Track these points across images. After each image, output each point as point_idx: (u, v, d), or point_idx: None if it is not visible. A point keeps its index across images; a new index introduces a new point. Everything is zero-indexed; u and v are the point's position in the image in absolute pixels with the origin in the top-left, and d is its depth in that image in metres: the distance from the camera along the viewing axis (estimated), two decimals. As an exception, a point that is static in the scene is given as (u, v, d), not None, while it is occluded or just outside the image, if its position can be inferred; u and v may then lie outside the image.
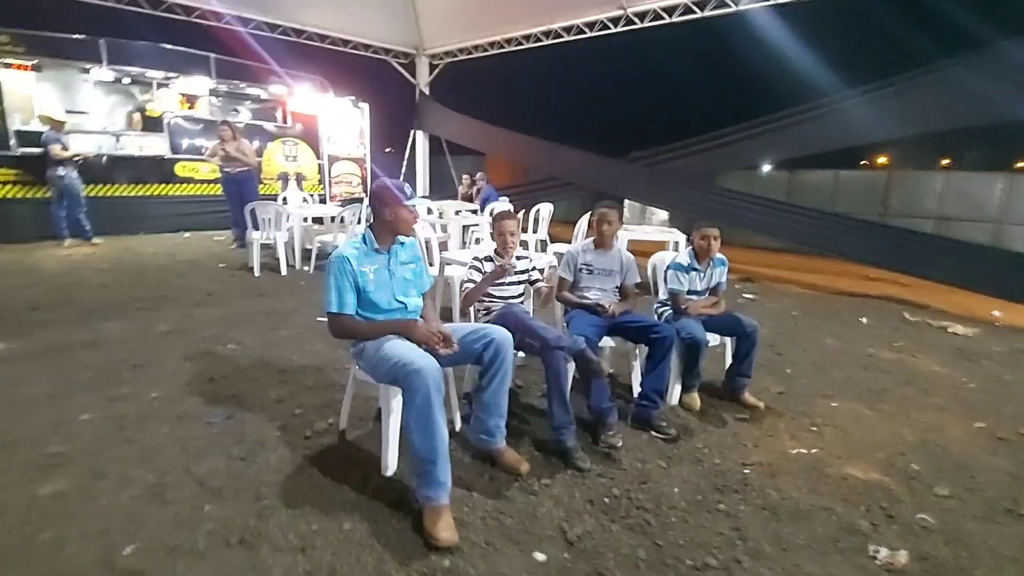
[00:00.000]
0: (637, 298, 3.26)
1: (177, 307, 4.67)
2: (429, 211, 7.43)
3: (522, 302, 3.02)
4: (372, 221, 2.39)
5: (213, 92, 9.64)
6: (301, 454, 2.46)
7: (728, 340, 3.32)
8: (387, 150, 16.58)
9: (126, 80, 8.74)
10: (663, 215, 13.03)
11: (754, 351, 3.15)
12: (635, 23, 8.12)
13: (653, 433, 2.78)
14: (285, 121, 10.44)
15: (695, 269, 3.23)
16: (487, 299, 2.94)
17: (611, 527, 2.05)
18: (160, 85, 8.85)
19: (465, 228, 7.19)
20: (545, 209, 7.24)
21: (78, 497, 2.09)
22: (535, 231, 7.14)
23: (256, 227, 6.02)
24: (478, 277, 2.88)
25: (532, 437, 2.68)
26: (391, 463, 2.29)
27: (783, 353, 4.15)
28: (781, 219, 7.20)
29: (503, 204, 7.49)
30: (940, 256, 6.42)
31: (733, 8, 7.23)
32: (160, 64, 8.86)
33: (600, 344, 2.90)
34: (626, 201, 13.30)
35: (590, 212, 3.17)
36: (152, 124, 8.90)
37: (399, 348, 2.16)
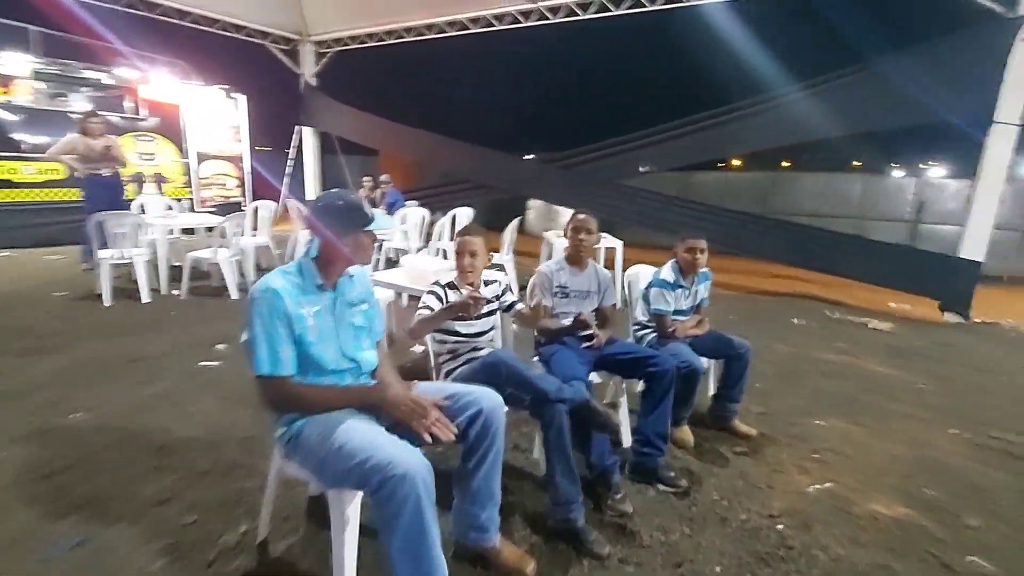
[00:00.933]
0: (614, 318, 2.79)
1: (-10, 359, 3.40)
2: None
3: (492, 340, 2.41)
4: (315, 251, 1.66)
5: (38, 74, 7.72)
6: (205, 597, 1.65)
7: (711, 362, 2.98)
8: (257, 148, 14.86)
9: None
10: (567, 217, 13.04)
11: (746, 374, 2.83)
12: (547, 18, 7.74)
13: (661, 487, 2.32)
14: (137, 112, 8.71)
15: (680, 286, 2.83)
16: (451, 339, 2.28)
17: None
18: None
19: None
20: (464, 215, 6.61)
21: None
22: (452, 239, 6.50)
23: (103, 244, 4.70)
24: (436, 307, 2.21)
25: (524, 513, 2.10)
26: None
27: (743, 364, 3.95)
28: (702, 221, 7.22)
29: (415, 210, 6.75)
30: (845, 254, 6.74)
31: (648, 7, 7.10)
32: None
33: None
34: (530, 202, 13.21)
35: (572, 217, 2.63)
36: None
37: (362, 435, 1.46)
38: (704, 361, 2.83)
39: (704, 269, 2.92)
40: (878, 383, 3.78)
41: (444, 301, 2.22)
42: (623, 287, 3.14)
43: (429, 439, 1.54)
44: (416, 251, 6.20)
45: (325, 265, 1.64)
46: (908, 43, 6.42)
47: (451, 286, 2.29)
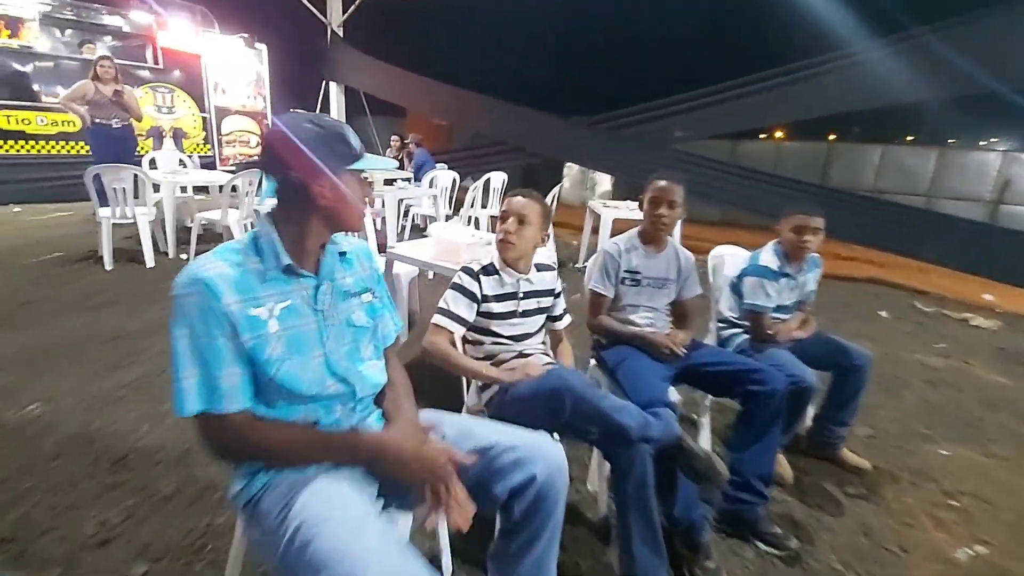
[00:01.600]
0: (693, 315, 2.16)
1: (-40, 329, 2.98)
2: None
3: (544, 342, 1.81)
4: (275, 208, 1.09)
5: (48, 18, 7.25)
6: None
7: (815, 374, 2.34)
8: (292, 110, 14.33)
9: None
10: (606, 185, 12.23)
11: (862, 393, 2.18)
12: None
13: (761, 545, 1.73)
14: (156, 62, 8.21)
15: (785, 275, 2.17)
16: (487, 340, 1.70)
17: None
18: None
19: (400, 203, 5.78)
20: (497, 179, 5.96)
21: None
22: (485, 207, 5.87)
23: (104, 201, 4.25)
24: (463, 309, 1.62)
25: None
26: None
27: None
28: (762, 191, 6.43)
29: (444, 173, 6.13)
30: (930, 234, 5.91)
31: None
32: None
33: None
34: (566, 167, 12.40)
35: (649, 184, 1.97)
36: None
37: (342, 532, 0.89)
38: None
39: (814, 254, 2.25)
40: (998, 397, 3.09)
41: (478, 298, 1.63)
42: (711, 277, 2.47)
43: (455, 524, 0.98)
44: (445, 219, 5.61)
45: (296, 235, 1.06)
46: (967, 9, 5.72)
47: (488, 271, 1.69)
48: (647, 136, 7.45)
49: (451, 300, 1.62)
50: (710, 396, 2.03)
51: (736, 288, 2.24)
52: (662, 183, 1.95)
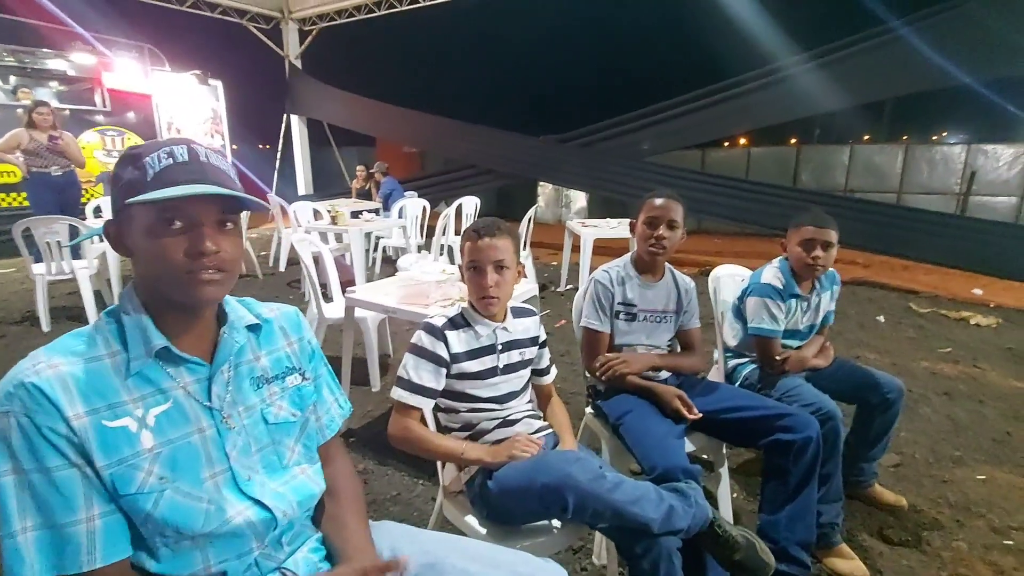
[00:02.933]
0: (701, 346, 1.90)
1: None
2: (316, 214, 5.61)
3: (530, 401, 1.52)
4: (135, 277, 0.78)
5: (-14, 65, 6.86)
6: None
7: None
8: (261, 146, 13.99)
9: None
10: (582, 202, 12.10)
11: (894, 427, 1.93)
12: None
13: (805, 630, 1.45)
14: (104, 105, 7.82)
15: (795, 295, 1.92)
16: (463, 407, 1.39)
17: None
18: None
19: (368, 236, 5.49)
20: (470, 204, 5.71)
21: None
22: (457, 234, 5.59)
23: (39, 257, 3.86)
24: (428, 378, 1.30)
25: None
26: None
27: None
28: (742, 200, 6.32)
29: (414, 201, 5.86)
30: (908, 231, 5.85)
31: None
32: None
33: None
34: (540, 186, 12.24)
35: (643, 203, 1.69)
36: None
37: None
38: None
39: (831, 269, 2.01)
40: (1021, 405, 2.88)
41: (446, 361, 1.32)
42: (712, 298, 2.21)
43: None
44: (417, 250, 5.32)
45: (158, 311, 0.76)
46: (929, 3, 5.92)
47: (456, 324, 1.37)
48: (617, 151, 7.33)
49: (411, 368, 1.29)
50: (727, 444, 1.75)
51: (739, 312, 1.99)
52: (659, 201, 1.69)
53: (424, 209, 5.79)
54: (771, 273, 1.92)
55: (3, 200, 6.76)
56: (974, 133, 17.59)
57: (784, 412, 1.53)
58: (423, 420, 1.33)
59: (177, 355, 0.76)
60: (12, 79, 7.35)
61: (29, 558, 0.64)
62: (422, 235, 5.81)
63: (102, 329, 0.75)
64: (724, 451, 1.75)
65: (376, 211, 6.15)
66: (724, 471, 1.77)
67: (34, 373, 0.67)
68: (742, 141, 18.77)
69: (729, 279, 2.17)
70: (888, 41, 6.03)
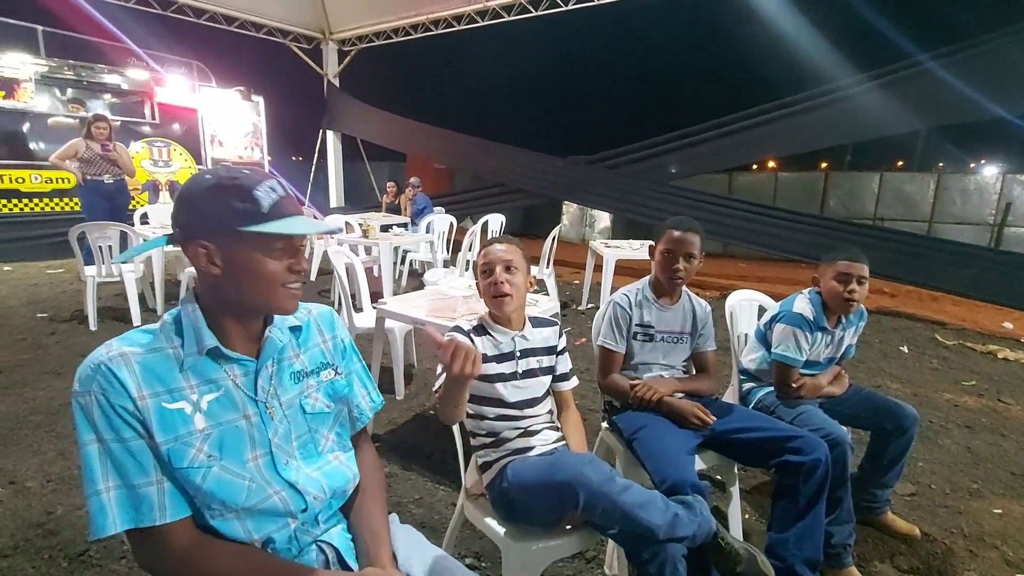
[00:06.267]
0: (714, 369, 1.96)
1: (-74, 403, 2.79)
2: (348, 227, 5.81)
3: (551, 411, 1.61)
4: (198, 283, 0.91)
5: (47, 78, 7.33)
6: None
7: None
8: (295, 159, 14.47)
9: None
10: (605, 222, 12.18)
11: (908, 453, 1.96)
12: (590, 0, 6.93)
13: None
14: (153, 117, 8.26)
15: (822, 328, 1.97)
16: (490, 412, 1.49)
17: None
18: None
19: (396, 250, 5.66)
20: (495, 221, 5.86)
21: None
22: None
23: (91, 260, 4.13)
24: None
25: None
26: None
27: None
28: (768, 227, 6.33)
29: (441, 217, 6.03)
30: (939, 261, 5.78)
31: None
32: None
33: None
34: (565, 205, 12.38)
35: (662, 233, 1.79)
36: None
37: None
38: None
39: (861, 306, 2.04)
40: (1045, 442, 2.85)
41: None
42: (728, 322, 2.28)
43: None
44: (443, 264, 5.48)
45: (221, 312, 0.89)
46: (960, 38, 5.98)
47: (479, 331, 1.50)
48: (644, 174, 7.42)
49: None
50: (739, 464, 1.81)
51: (763, 337, 2.05)
52: (677, 233, 1.78)
53: (451, 225, 5.97)
54: (803, 304, 1.97)
55: (59, 205, 7.15)
56: (1011, 163, 17.20)
57: (794, 434, 1.59)
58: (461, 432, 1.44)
59: (226, 354, 0.88)
60: (69, 91, 7.85)
61: (111, 512, 0.77)
62: (448, 250, 5.97)
63: (166, 326, 0.87)
64: (736, 471, 1.81)
65: (405, 225, 6.35)
66: (735, 490, 1.83)
67: (108, 358, 0.80)
68: (770, 165, 18.70)
69: (746, 304, 2.24)
70: (919, 73, 6.06)
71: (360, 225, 5.25)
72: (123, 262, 4.21)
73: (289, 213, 0.86)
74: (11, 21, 6.91)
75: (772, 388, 2.00)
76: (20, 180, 6.88)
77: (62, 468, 2.24)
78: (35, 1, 6.76)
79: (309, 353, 1.00)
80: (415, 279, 6.22)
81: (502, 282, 1.43)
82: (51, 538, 1.83)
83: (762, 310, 2.27)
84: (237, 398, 0.88)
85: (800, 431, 1.61)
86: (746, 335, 2.23)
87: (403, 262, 6.23)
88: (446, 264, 5.71)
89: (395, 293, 4.80)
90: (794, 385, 1.92)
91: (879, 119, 6.27)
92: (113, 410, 0.78)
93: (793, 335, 1.89)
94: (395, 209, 7.68)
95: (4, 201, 6.74)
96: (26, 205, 6.93)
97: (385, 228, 5.65)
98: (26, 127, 6.98)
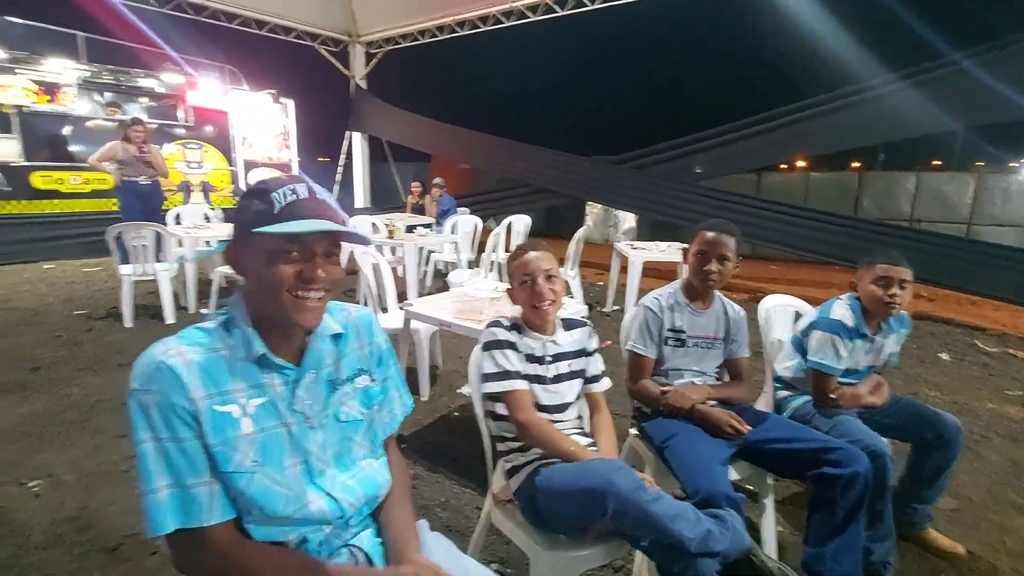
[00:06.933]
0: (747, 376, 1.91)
1: (-27, 396, 2.90)
2: (374, 227, 5.86)
3: (580, 416, 1.59)
4: (245, 290, 0.91)
5: (87, 82, 7.59)
6: None
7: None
8: (320, 159, 14.68)
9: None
10: (630, 222, 12.05)
11: (952, 467, 1.88)
12: (615, -2, 6.88)
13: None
14: (187, 120, 8.48)
15: (862, 335, 1.90)
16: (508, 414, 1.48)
17: None
18: (3, 69, 6.69)
19: (421, 250, 5.69)
20: (520, 223, 5.84)
21: None
22: (507, 251, 5.72)
23: (126, 258, 4.25)
24: (514, 362, 1.43)
25: None
26: None
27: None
28: (799, 228, 6.19)
29: (466, 218, 6.04)
30: (977, 265, 5.56)
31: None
32: (1, 42, 6.72)
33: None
34: (588, 205, 12.29)
35: (696, 234, 1.77)
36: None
37: None
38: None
39: (903, 313, 1.97)
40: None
41: (517, 348, 1.44)
42: (763, 327, 2.22)
43: None
44: (467, 265, 5.48)
45: (260, 320, 0.89)
46: (994, 37, 5.81)
47: (515, 328, 1.50)
48: (671, 174, 7.33)
49: (497, 358, 1.42)
50: (772, 475, 1.76)
51: (799, 343, 1.98)
52: (711, 234, 1.74)
53: (476, 226, 5.97)
54: (842, 310, 1.89)
55: (96, 205, 7.38)
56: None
57: (833, 446, 1.53)
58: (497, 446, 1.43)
59: (272, 361, 0.88)
60: (107, 95, 8.11)
61: (164, 511, 0.77)
62: (472, 251, 5.98)
63: (219, 327, 0.88)
64: (770, 481, 1.75)
65: (429, 226, 6.38)
66: (769, 502, 1.78)
67: (166, 356, 0.80)
68: (800, 164, 18.27)
69: (781, 310, 2.18)
70: (955, 72, 5.88)
71: (386, 226, 5.28)
72: (194, 260, 4.34)
73: (304, 215, 0.82)
74: (55, 28, 7.17)
75: (808, 397, 1.94)
76: (60, 181, 7.12)
77: (96, 464, 2.30)
78: (77, 8, 6.98)
79: (347, 360, 0.99)
80: (439, 279, 6.24)
81: (545, 292, 1.44)
82: (85, 532, 1.88)
83: (797, 315, 2.20)
84: (279, 407, 0.88)
85: (838, 442, 1.56)
86: (780, 341, 2.16)
87: (427, 262, 6.26)
88: (470, 265, 5.72)
89: (419, 294, 4.82)
90: (832, 395, 1.85)
91: (913, 118, 6.10)
92: (172, 409, 0.78)
93: (831, 342, 1.82)
94: (420, 209, 7.72)
95: (45, 201, 6.99)
96: (65, 205, 7.17)
97: (410, 229, 5.68)
98: (66, 130, 7.22)
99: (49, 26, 7.10)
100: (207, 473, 0.80)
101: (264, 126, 9.22)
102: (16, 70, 6.78)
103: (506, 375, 1.41)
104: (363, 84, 10.06)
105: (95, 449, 2.41)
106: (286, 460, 0.87)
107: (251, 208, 0.84)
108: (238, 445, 0.82)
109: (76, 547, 1.80)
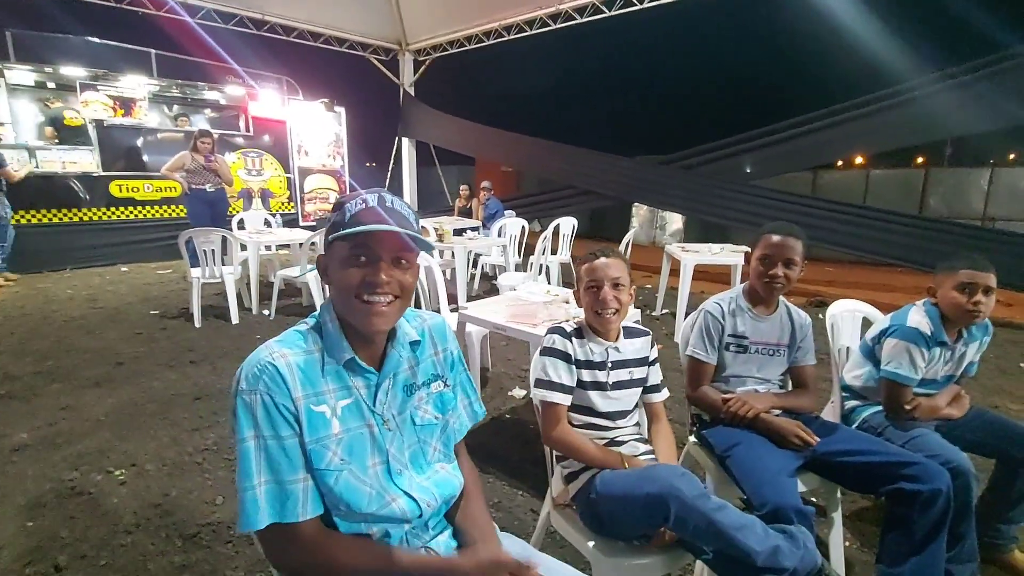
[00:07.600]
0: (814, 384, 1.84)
1: (63, 389, 3.15)
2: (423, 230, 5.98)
3: (638, 423, 1.58)
4: (331, 296, 0.97)
5: (158, 96, 8.09)
6: None
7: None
8: (368, 164, 15.10)
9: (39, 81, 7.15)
10: (677, 224, 11.81)
11: (1039, 482, 1.75)
12: (663, -1, 6.77)
13: None
14: (248, 130, 8.90)
15: (941, 343, 1.80)
16: (579, 419, 1.49)
17: None
18: (85, 87, 7.23)
19: (469, 253, 5.76)
20: (567, 225, 5.83)
21: None
22: (555, 253, 5.72)
23: (196, 262, 4.50)
24: (564, 374, 1.43)
25: None
26: None
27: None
28: (859, 227, 5.90)
29: (513, 221, 6.08)
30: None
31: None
32: (84, 61, 7.26)
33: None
34: (634, 207, 12.12)
35: (760, 237, 1.75)
36: (71, 134, 7.32)
37: None
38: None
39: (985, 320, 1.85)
40: None
41: (573, 360, 1.44)
42: (830, 335, 2.14)
43: None
44: (515, 268, 5.51)
45: (345, 325, 0.94)
46: None
47: (578, 334, 1.50)
48: (720, 174, 7.14)
49: (548, 367, 1.44)
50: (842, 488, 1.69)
51: (870, 352, 1.90)
52: (776, 238, 1.70)
53: (523, 228, 6.00)
54: (919, 317, 1.80)
55: (167, 211, 7.85)
56: None
57: (910, 460, 1.46)
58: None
59: (358, 365, 0.92)
60: (175, 107, 8.63)
61: (261, 506, 0.82)
62: (519, 253, 6.01)
63: (312, 331, 0.94)
64: (838, 495, 1.69)
65: (476, 229, 6.45)
66: (837, 516, 1.71)
67: (272, 358, 0.86)
68: (859, 161, 17.37)
69: (848, 316, 2.09)
70: (1018, 65, 5.50)
71: (435, 229, 5.38)
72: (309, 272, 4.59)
73: (366, 222, 0.88)
74: (131, 47, 7.68)
75: (879, 407, 1.85)
76: (135, 189, 7.60)
77: (175, 453, 2.46)
78: (150, 26, 7.47)
79: (423, 365, 1.03)
80: (486, 282, 6.31)
81: (609, 300, 1.44)
82: (167, 518, 2.01)
83: (866, 322, 2.11)
84: (363, 409, 0.92)
85: (917, 457, 1.48)
86: (848, 348, 2.08)
87: (474, 265, 6.34)
88: (518, 268, 5.75)
89: (468, 297, 4.89)
90: (907, 406, 1.77)
91: (980, 113, 5.72)
92: (276, 409, 0.84)
93: (907, 351, 1.74)
94: (467, 213, 7.82)
95: (122, 208, 7.48)
96: (140, 212, 7.65)
97: (458, 232, 5.77)
98: (140, 141, 7.72)
99: (126, 45, 7.61)
100: (303, 470, 0.85)
101: (318, 134, 9.57)
102: (97, 87, 7.32)
103: (549, 385, 1.42)
104: (411, 91, 10.29)
105: (173, 441, 2.57)
106: (368, 460, 0.92)
107: (332, 219, 0.92)
108: (329, 444, 0.87)
109: (160, 531, 1.93)
